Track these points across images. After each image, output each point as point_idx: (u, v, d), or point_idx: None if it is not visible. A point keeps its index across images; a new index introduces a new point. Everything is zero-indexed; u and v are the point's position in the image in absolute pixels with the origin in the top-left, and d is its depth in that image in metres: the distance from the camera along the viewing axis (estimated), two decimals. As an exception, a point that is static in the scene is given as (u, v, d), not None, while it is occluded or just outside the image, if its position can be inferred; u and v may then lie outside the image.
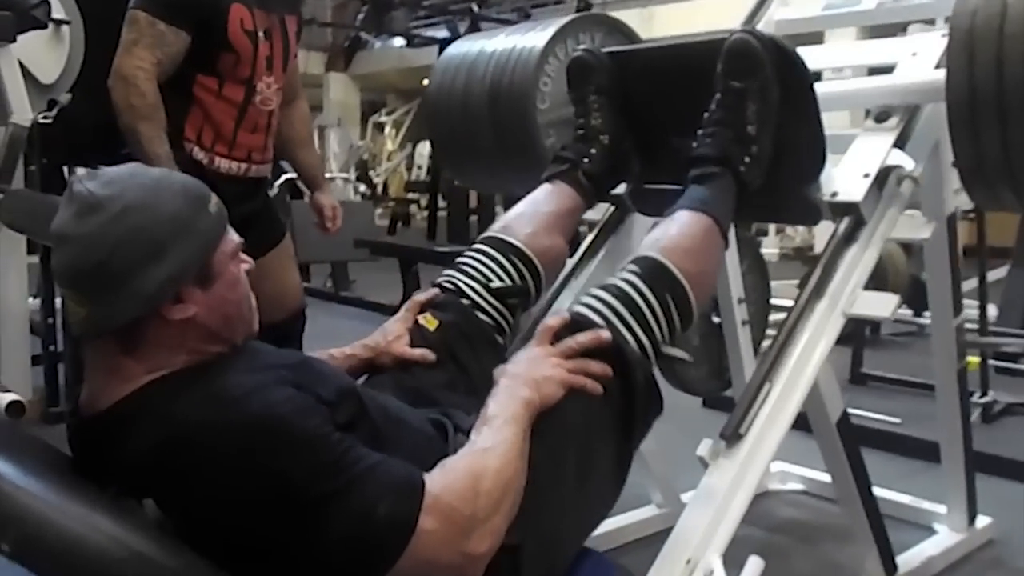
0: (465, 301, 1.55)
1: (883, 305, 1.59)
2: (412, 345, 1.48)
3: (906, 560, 2.15)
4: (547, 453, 1.18)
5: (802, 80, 1.57)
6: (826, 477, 2.70)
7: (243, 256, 1.18)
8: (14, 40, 2.11)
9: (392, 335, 1.50)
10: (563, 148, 1.80)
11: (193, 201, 1.09)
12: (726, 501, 1.43)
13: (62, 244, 1.05)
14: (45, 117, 2.88)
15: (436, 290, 1.57)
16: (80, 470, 1.07)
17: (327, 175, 8.87)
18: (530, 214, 1.68)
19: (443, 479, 1.06)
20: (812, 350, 1.56)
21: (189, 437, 1.00)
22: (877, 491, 2.59)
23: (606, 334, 1.29)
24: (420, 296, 1.57)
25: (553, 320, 1.32)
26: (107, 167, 1.10)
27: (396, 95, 15.90)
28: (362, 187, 11.50)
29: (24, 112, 2.66)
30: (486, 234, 1.66)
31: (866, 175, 1.63)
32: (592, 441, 1.26)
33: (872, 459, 3.07)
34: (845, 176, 1.64)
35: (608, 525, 2.33)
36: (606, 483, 1.31)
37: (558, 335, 1.30)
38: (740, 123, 1.55)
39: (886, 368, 4.15)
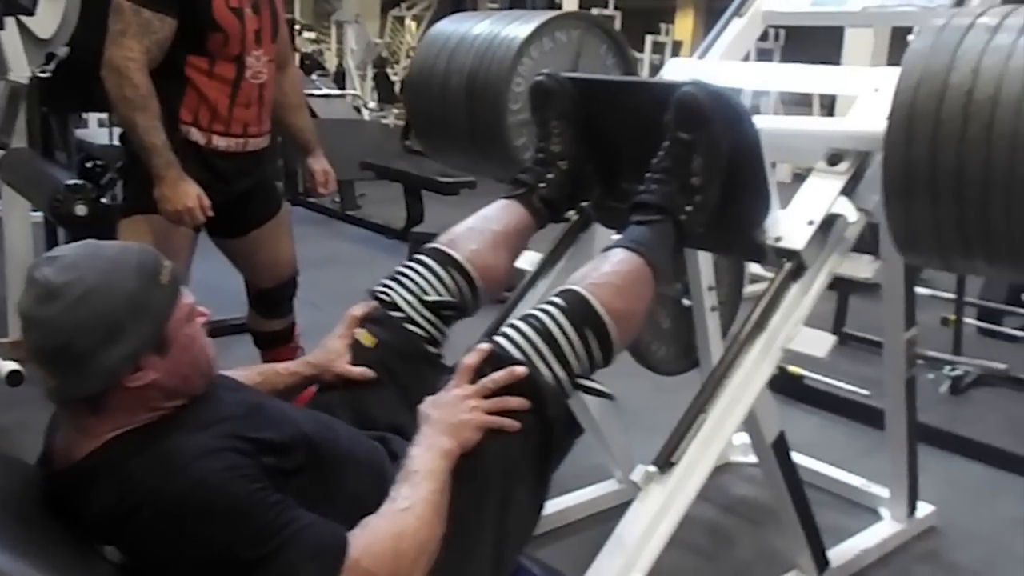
0: (398, 314, 1.60)
1: (820, 344, 1.65)
2: (353, 362, 1.56)
3: (840, 553, 2.27)
4: (468, 496, 1.29)
5: (749, 136, 1.60)
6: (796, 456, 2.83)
7: (199, 311, 1.27)
8: (1, 27, 2.13)
9: (334, 353, 1.58)
10: (523, 171, 1.84)
11: (147, 278, 1.18)
12: (653, 526, 1.52)
13: (27, 327, 1.14)
14: (43, 71, 2.90)
15: (373, 303, 1.63)
16: (51, 513, 1.18)
17: (331, 90, 8.85)
18: (478, 231, 1.73)
19: (364, 542, 1.16)
20: (748, 383, 1.63)
21: (138, 502, 1.12)
22: (830, 471, 2.73)
23: (521, 370, 1.36)
24: (357, 310, 1.63)
25: (471, 358, 1.39)
26: (65, 249, 1.18)
27: (419, -14, 15.55)
28: (372, 103, 11.38)
29: (22, 69, 2.70)
30: (430, 245, 1.70)
31: (810, 222, 1.67)
32: (511, 478, 1.35)
33: (839, 430, 3.22)
34: (790, 222, 1.69)
35: (569, 500, 2.49)
36: (525, 514, 1.40)
37: (479, 369, 1.37)
38: (685, 174, 1.59)
39: (873, 323, 4.15)
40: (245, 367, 1.61)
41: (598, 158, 1.84)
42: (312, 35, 11.54)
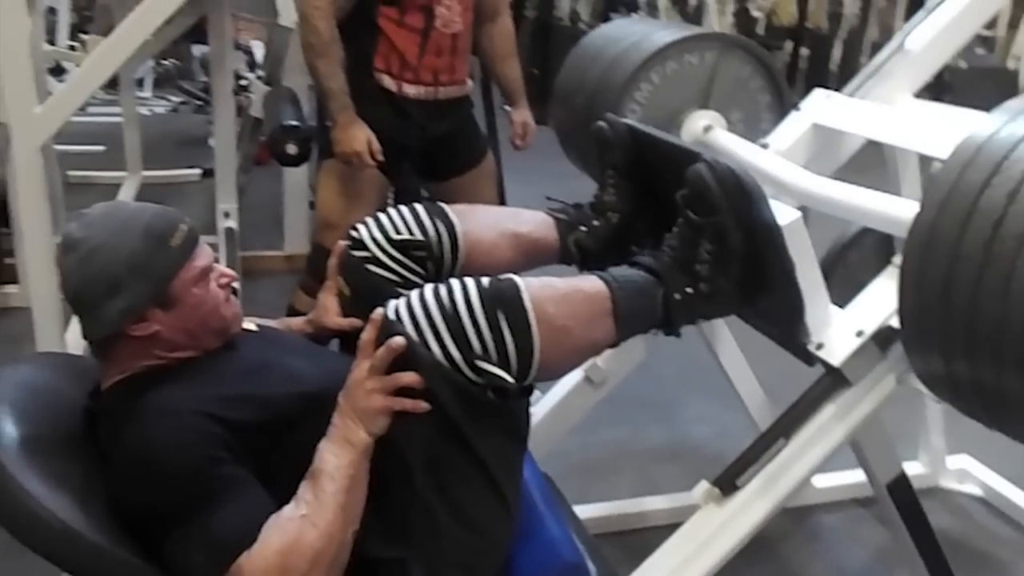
0: (364, 253, 1.51)
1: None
2: (342, 313, 1.53)
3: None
4: (400, 484, 1.22)
5: (767, 228, 1.34)
6: (1012, 489, 2.46)
7: (222, 271, 1.34)
8: None
9: (323, 308, 1.55)
10: (576, 205, 1.68)
11: (153, 240, 1.26)
12: (699, 551, 1.42)
13: (59, 274, 1.29)
14: None
15: (343, 244, 1.55)
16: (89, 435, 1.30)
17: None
18: (497, 216, 1.65)
19: (256, 550, 1.14)
20: (849, 411, 1.43)
21: (111, 440, 1.22)
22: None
23: (398, 341, 1.18)
24: (333, 258, 1.56)
25: (368, 331, 1.23)
26: (92, 208, 1.31)
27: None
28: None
29: (288, 14, 2.88)
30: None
31: (859, 333, 1.38)
32: (438, 459, 1.22)
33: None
34: (837, 327, 1.41)
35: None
36: (479, 494, 1.26)
37: (377, 341, 1.21)
38: (691, 259, 1.37)
39: None
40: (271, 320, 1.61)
41: (654, 216, 1.63)
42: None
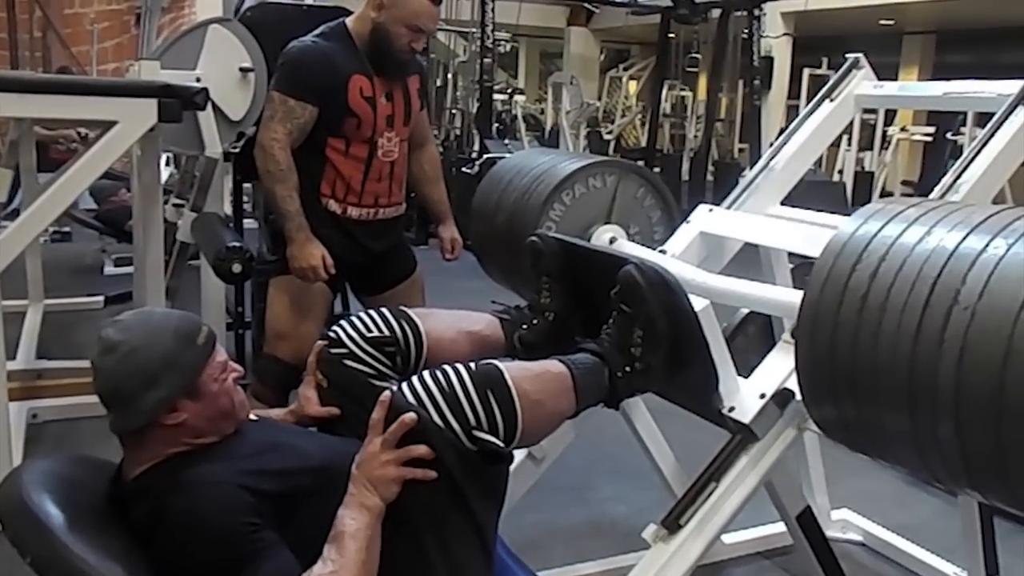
0: (341, 350, 1.76)
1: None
2: (321, 403, 1.76)
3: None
4: (405, 542, 1.44)
5: (686, 315, 1.67)
6: (888, 534, 2.80)
7: (232, 366, 1.54)
8: (180, 120, 2.56)
9: (304, 399, 1.79)
10: (516, 307, 2.01)
11: (182, 339, 1.46)
12: None
13: (95, 373, 1.46)
14: (233, 147, 3.44)
15: (322, 343, 1.80)
16: (117, 519, 1.46)
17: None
18: (453, 318, 1.92)
19: None
20: (760, 459, 1.73)
21: (156, 516, 1.39)
22: (929, 558, 2.64)
23: (409, 417, 1.41)
24: (312, 356, 1.81)
25: (377, 412, 1.45)
26: (125, 314, 1.49)
27: (641, 47, 15.85)
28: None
29: (215, 147, 3.19)
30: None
31: (762, 396, 1.71)
32: (440, 518, 1.46)
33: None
34: (744, 392, 1.74)
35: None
36: (471, 543, 1.49)
37: (387, 420, 1.43)
38: (626, 343, 1.70)
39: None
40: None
41: (583, 312, 1.95)
42: (523, 98, 12.15)
